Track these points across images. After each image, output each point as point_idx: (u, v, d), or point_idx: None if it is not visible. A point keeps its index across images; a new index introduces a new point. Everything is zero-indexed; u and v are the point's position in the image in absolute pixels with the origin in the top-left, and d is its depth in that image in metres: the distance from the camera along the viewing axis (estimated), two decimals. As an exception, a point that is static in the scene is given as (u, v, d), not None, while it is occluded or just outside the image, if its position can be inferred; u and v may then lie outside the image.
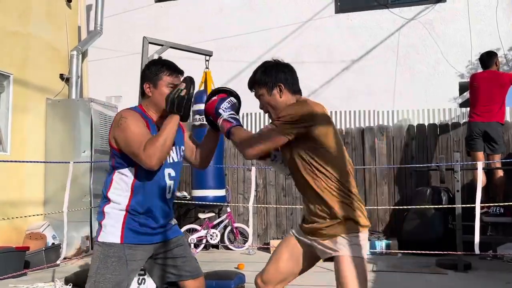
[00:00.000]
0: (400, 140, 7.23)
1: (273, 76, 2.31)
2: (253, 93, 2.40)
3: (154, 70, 2.32)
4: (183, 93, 2.23)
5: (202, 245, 6.84)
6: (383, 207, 6.96)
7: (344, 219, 2.16)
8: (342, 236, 2.15)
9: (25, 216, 5.90)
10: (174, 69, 2.35)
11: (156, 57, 5.34)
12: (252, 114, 7.89)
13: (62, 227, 5.36)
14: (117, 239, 2.19)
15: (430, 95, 7.72)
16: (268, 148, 2.22)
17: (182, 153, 2.46)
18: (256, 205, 6.74)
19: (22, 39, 6.63)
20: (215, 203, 6.25)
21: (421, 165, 6.68)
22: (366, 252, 2.20)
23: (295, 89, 2.35)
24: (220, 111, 2.30)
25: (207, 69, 6.14)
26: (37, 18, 6.91)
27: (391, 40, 8.03)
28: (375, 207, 6.96)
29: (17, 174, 6.39)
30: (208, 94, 2.43)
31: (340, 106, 7.81)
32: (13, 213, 5.87)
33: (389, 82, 7.89)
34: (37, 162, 6.41)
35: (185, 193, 7.38)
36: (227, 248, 6.96)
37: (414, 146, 7.15)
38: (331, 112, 7.80)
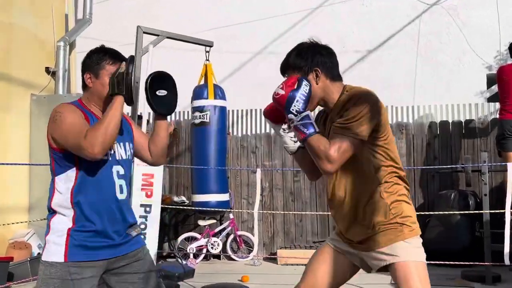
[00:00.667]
0: (421, 139, 7.21)
1: (309, 59, 2.21)
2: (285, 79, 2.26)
3: (95, 58, 2.31)
4: (122, 70, 2.22)
5: (202, 255, 6.86)
6: (403, 213, 6.93)
7: (403, 221, 2.12)
8: (402, 240, 2.11)
9: (8, 224, 5.93)
10: (117, 57, 2.32)
11: (151, 48, 5.36)
12: (256, 111, 7.89)
13: (48, 236, 5.38)
14: (60, 258, 2.14)
15: (455, 89, 7.69)
16: (348, 157, 2.08)
17: (131, 150, 2.43)
18: (261, 211, 6.75)
19: (4, 30, 6.66)
20: (216, 209, 6.25)
21: (445, 167, 6.66)
22: (424, 258, 2.16)
23: (334, 75, 2.25)
24: (291, 115, 2.10)
25: (207, 61, 6.14)
26: (20, 6, 6.95)
27: (411, 28, 8.00)
28: (394, 213, 6.93)
29: (0, 177, 6.43)
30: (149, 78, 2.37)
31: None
32: (-5, 221, 5.91)
33: (409, 75, 7.86)
34: (21, 164, 6.44)
35: (183, 198, 7.40)
36: (229, 258, 6.97)
37: (437, 145, 7.13)
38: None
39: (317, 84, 2.20)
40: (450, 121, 7.21)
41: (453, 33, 7.85)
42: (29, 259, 5.64)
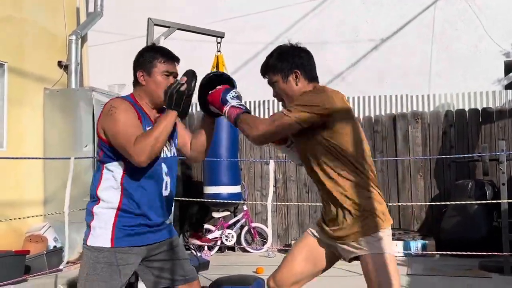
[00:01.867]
0: (437, 128, 7.15)
1: (289, 61, 2.32)
2: (266, 79, 2.41)
3: (148, 57, 2.35)
4: (183, 88, 2.26)
5: (217, 247, 6.90)
6: (418, 204, 6.90)
7: (366, 216, 2.19)
8: (366, 234, 2.18)
9: (24, 218, 6.02)
10: (169, 56, 2.38)
11: (162, 40, 5.37)
12: (269, 102, 7.87)
13: (64, 229, 5.46)
14: (107, 243, 2.22)
15: (471, 77, 7.59)
16: (278, 133, 2.25)
17: (175, 148, 2.49)
18: (275, 203, 6.76)
19: (16, 24, 6.72)
20: (230, 201, 6.28)
21: (461, 156, 6.59)
22: (392, 250, 2.23)
23: (312, 76, 2.37)
24: (228, 98, 2.31)
25: (218, 52, 6.14)
26: (31, 1, 6.99)
27: (425, 15, 7.90)
28: (409, 204, 6.90)
29: (15, 171, 6.51)
30: (204, 80, 2.44)
31: (369, 91, 7.75)
32: (11, 214, 5.99)
33: (424, 63, 7.78)
34: (36, 158, 6.52)
35: (197, 190, 7.44)
36: (244, 250, 7.00)
37: (453, 134, 7.06)
38: (358, 97, 7.76)
39: (296, 85, 2.32)
40: (467, 109, 7.13)
41: (469, 19, 7.74)
42: (45, 252, 5.71)
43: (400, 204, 6.99)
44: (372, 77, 7.91)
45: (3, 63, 6.52)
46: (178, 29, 5.80)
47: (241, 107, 2.29)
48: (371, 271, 2.15)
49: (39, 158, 6.67)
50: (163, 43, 5.31)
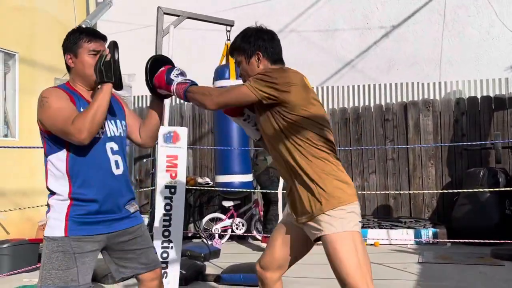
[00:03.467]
0: (449, 116, 7.10)
1: (251, 43, 2.40)
2: (234, 60, 2.50)
3: (73, 39, 2.34)
4: (108, 58, 2.26)
5: (227, 236, 6.93)
6: (430, 191, 6.88)
7: (325, 193, 2.20)
8: (324, 213, 2.18)
9: (37, 206, 6.09)
10: (93, 35, 2.36)
11: (172, 29, 5.35)
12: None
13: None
14: (61, 233, 2.21)
15: (483, 64, 7.50)
16: (233, 101, 2.30)
17: (123, 128, 2.47)
18: (286, 191, 6.74)
19: (27, 14, 6.75)
20: (240, 190, 6.29)
21: (473, 143, 6.54)
22: (357, 225, 2.20)
23: (276, 59, 2.42)
24: (172, 77, 2.37)
25: (228, 41, 6.10)
26: (42, -10, 7.01)
27: (437, 1, 7.80)
28: (420, 192, 6.88)
29: (27, 161, 6.58)
30: (147, 64, 2.47)
31: (379, 79, 7.69)
32: (25, 203, 6.07)
33: (435, 50, 7.70)
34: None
35: (207, 179, 7.46)
36: (254, 238, 7.03)
37: (465, 122, 7.01)
38: (368, 85, 7.71)
39: (258, 66, 2.39)
40: (479, 96, 7.06)
41: (481, 5, 7.62)
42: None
43: (411, 192, 6.97)
44: (382, 65, 7.85)
45: (15, 53, 6.57)
46: (188, 18, 5.78)
47: (187, 81, 2.35)
48: (330, 252, 2.15)
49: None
50: (172, 32, 5.30)
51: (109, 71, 2.25)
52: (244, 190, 6.31)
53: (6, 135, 6.53)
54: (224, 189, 6.08)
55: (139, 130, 2.54)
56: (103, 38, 2.39)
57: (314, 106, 2.29)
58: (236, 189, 6.18)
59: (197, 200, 7.65)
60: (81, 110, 2.25)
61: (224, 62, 6.18)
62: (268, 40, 2.42)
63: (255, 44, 2.39)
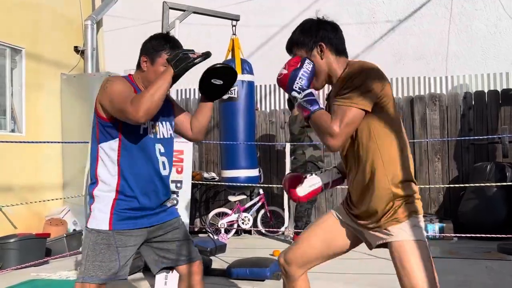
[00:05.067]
0: (456, 110, 7.06)
1: (313, 34, 2.20)
2: (291, 55, 2.28)
3: (155, 44, 2.34)
4: (192, 54, 2.23)
5: (234, 230, 6.94)
6: (436, 186, 6.85)
7: (404, 200, 2.09)
8: (401, 220, 2.07)
9: (44, 201, 6.12)
10: (177, 48, 2.34)
11: (177, 24, 5.36)
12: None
13: (82, 212, 5.53)
14: (106, 225, 2.26)
15: (490, 58, 7.45)
16: (352, 131, 2.06)
17: (172, 129, 2.50)
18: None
19: (33, 10, 6.76)
20: (246, 185, 6.29)
21: (480, 137, 6.50)
22: (425, 236, 2.11)
23: (339, 50, 2.22)
24: (294, 93, 2.14)
25: (234, 36, 6.11)
26: (48, -15, 7.02)
27: (443, -5, 7.74)
28: (427, 186, 6.86)
29: (34, 156, 6.61)
30: (211, 67, 2.39)
31: (385, 73, 7.51)
32: (32, 198, 6.11)
33: (442, 44, 7.65)
34: (54, 142, 6.60)
35: (213, 174, 7.47)
36: (260, 233, 7.03)
37: (472, 116, 6.97)
38: (375, 80, 7.66)
39: (321, 59, 2.19)
40: (486, 91, 7.01)
41: (488, -2, 7.56)
42: (65, 236, 5.82)
43: (417, 187, 6.93)
44: (388, 59, 7.80)
45: (21, 48, 6.58)
46: (194, 12, 5.77)
47: (308, 107, 2.10)
48: (401, 259, 2.03)
49: (57, 142, 6.75)
50: (178, 26, 5.29)
51: (181, 63, 2.21)
52: (250, 184, 6.31)
53: (13, 130, 6.56)
54: (230, 183, 6.09)
55: (191, 124, 2.56)
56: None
57: (394, 102, 2.15)
58: (242, 184, 6.19)
59: (203, 195, 7.67)
60: None
61: (230, 57, 6.16)
62: (331, 30, 2.22)
63: (317, 35, 2.19)
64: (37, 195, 6.30)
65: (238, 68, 5.95)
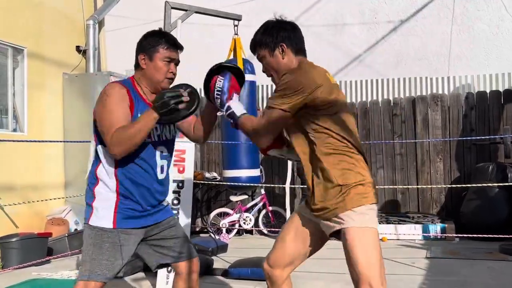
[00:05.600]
0: (458, 110, 7.05)
1: (274, 35, 2.32)
2: (256, 56, 2.41)
3: (152, 41, 2.36)
4: (180, 106, 2.19)
5: (235, 230, 6.94)
6: (438, 186, 6.84)
7: (347, 191, 2.16)
8: (347, 209, 2.15)
9: (45, 200, 6.12)
10: (173, 43, 2.38)
11: (179, 23, 5.35)
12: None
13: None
14: (109, 224, 2.27)
15: (492, 58, 7.43)
16: (278, 131, 2.27)
17: (175, 130, 2.52)
18: (293, 186, 6.75)
19: (35, 9, 6.76)
20: (248, 184, 6.28)
21: (482, 137, 6.49)
22: (375, 223, 2.20)
23: (298, 49, 2.35)
24: (217, 100, 2.32)
25: (236, 36, 6.10)
26: (50, -15, 7.02)
27: (446, -5, 7.73)
28: (429, 186, 6.85)
29: (36, 155, 6.61)
30: (213, 68, 2.40)
31: (387, 73, 7.64)
32: (33, 197, 6.10)
33: (444, 45, 7.63)
34: (56, 141, 6.60)
35: (215, 174, 7.47)
36: (262, 233, 7.03)
37: (474, 116, 6.95)
38: (376, 80, 7.67)
39: (283, 58, 2.32)
40: (488, 91, 7.00)
41: (490, -1, 7.54)
42: (67, 235, 5.82)
43: (419, 187, 6.93)
44: (390, 59, 7.80)
45: (23, 48, 6.58)
46: (196, 12, 5.76)
47: (231, 120, 2.32)
48: (349, 245, 2.12)
49: (59, 142, 6.75)
50: (180, 26, 5.29)
51: (168, 111, 2.17)
52: (252, 184, 6.30)
53: (15, 130, 6.56)
54: (232, 183, 6.08)
55: (194, 125, 2.56)
56: (180, 48, 2.42)
57: (336, 102, 2.24)
58: (244, 184, 6.18)
59: (205, 195, 7.66)
60: (138, 114, 2.26)
61: (231, 57, 6.16)
62: (291, 30, 2.35)
63: (278, 36, 2.31)
64: (38, 195, 6.30)
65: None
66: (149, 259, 2.50)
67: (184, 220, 3.85)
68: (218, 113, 2.49)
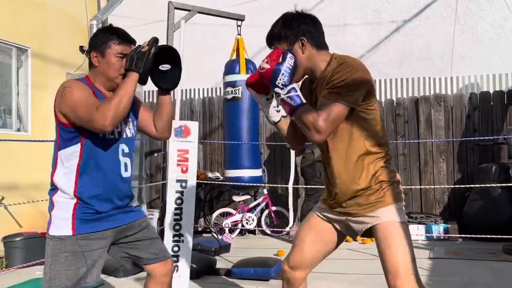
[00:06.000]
0: (461, 111, 7.03)
1: (294, 28, 2.19)
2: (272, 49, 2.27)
3: (103, 37, 2.31)
4: (144, 49, 2.23)
5: (238, 230, 6.94)
6: (441, 187, 6.82)
7: (388, 186, 2.14)
8: (388, 204, 2.12)
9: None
10: (124, 37, 2.32)
11: (183, 24, 5.35)
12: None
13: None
14: (68, 231, 2.19)
15: (496, 58, 7.41)
16: (336, 127, 2.11)
17: (135, 128, 2.46)
18: (296, 186, 6.75)
19: (39, 9, 6.78)
20: (250, 184, 6.29)
21: (486, 138, 6.47)
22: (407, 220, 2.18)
23: (320, 43, 2.22)
24: (277, 89, 2.11)
25: (239, 36, 6.10)
26: (53, -15, 7.05)
27: (449, -5, 7.72)
28: (432, 187, 6.83)
29: (39, 154, 6.61)
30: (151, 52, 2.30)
31: (390, 73, 7.63)
32: (37, 197, 6.12)
33: (447, 45, 7.62)
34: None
35: (217, 174, 7.47)
36: (264, 233, 7.03)
37: (477, 117, 6.94)
38: (380, 80, 7.66)
39: (303, 53, 2.18)
40: (491, 91, 6.98)
41: (494, -1, 7.52)
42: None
43: (422, 187, 6.92)
44: (393, 59, 7.79)
45: (27, 48, 6.60)
46: (199, 12, 5.77)
47: (291, 103, 2.09)
48: (388, 238, 2.08)
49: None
50: (183, 26, 5.29)
51: (140, 62, 2.22)
52: (254, 184, 6.31)
53: (18, 129, 6.58)
54: (234, 183, 6.08)
55: (154, 123, 2.51)
56: (133, 42, 2.36)
57: (375, 101, 2.20)
58: (246, 184, 6.18)
59: (207, 194, 7.66)
60: None
61: (234, 57, 6.16)
62: (312, 24, 2.22)
63: (299, 29, 2.18)
64: (42, 194, 6.30)
65: (242, 68, 5.95)
66: (122, 262, 2.47)
67: (187, 219, 3.85)
68: (266, 96, 2.29)
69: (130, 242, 2.41)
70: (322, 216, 2.33)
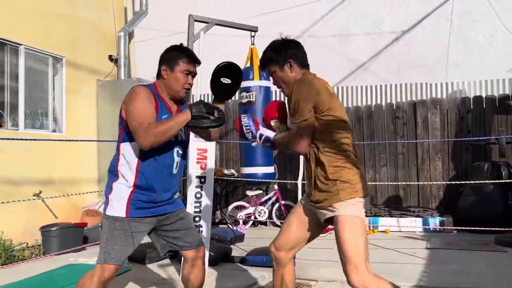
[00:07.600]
0: (455, 113, 6.97)
1: (282, 53, 2.42)
2: (265, 71, 2.53)
3: (174, 55, 2.43)
4: (212, 117, 2.33)
5: (251, 222, 6.94)
6: (437, 183, 6.77)
7: (342, 185, 2.26)
8: (339, 200, 2.25)
9: (81, 193, 6.19)
10: (192, 58, 2.45)
11: (202, 35, 5.36)
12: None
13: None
14: (122, 213, 2.33)
15: (487, 66, 7.33)
16: (310, 136, 2.31)
17: (188, 133, 2.57)
18: (305, 182, 6.71)
19: (71, 21, 6.84)
20: (262, 180, 6.28)
21: (479, 138, 6.41)
22: (363, 214, 2.29)
23: (303, 63, 2.46)
24: (254, 143, 2.50)
25: (252, 45, 6.09)
26: (84, 0, 7.09)
27: (444, 8, 7.64)
28: (429, 183, 6.78)
29: (73, 153, 6.69)
30: (217, 68, 2.50)
31: (390, 79, 7.59)
32: (71, 191, 6.18)
33: (442, 53, 7.55)
34: (90, 141, 6.68)
35: (233, 171, 7.48)
36: (275, 224, 7.02)
37: (471, 119, 6.87)
38: (380, 86, 7.62)
39: (291, 72, 2.42)
40: (484, 96, 6.90)
41: (486, 11, 7.43)
42: (100, 225, 5.86)
43: (419, 183, 6.87)
44: (393, 67, 7.74)
45: (62, 57, 6.67)
46: (216, 24, 5.77)
47: (268, 144, 2.46)
48: (339, 229, 2.22)
49: (94, 141, 6.83)
50: (202, 37, 5.30)
51: (200, 117, 2.30)
52: (266, 180, 6.30)
53: (54, 130, 6.64)
54: (248, 179, 6.08)
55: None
56: (199, 62, 2.51)
57: (336, 107, 2.33)
58: (259, 180, 6.18)
59: (224, 189, 7.68)
60: (163, 117, 2.33)
61: (248, 65, 6.16)
62: (296, 47, 2.45)
63: (286, 53, 2.41)
64: (75, 188, 6.38)
65: (256, 75, 5.95)
66: (159, 246, 2.56)
67: (206, 212, 3.86)
68: (253, 144, 2.56)
69: (169, 231, 2.51)
70: (305, 206, 2.47)
